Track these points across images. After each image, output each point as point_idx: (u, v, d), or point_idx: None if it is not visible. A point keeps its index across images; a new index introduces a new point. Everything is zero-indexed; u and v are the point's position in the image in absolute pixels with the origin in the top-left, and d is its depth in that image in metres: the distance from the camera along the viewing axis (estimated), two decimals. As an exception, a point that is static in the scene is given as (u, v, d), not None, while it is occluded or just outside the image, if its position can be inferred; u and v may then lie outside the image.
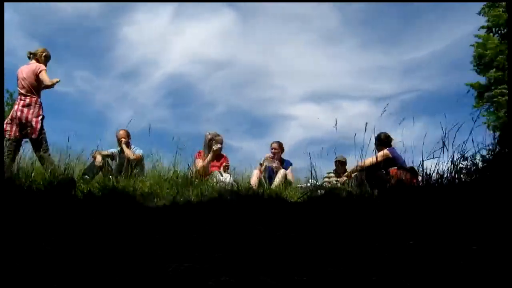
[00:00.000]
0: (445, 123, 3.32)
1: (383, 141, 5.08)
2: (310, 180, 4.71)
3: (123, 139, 5.54)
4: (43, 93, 4.78)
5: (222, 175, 5.11)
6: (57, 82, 4.62)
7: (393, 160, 4.76)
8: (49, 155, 4.69)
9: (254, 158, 6.21)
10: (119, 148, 5.63)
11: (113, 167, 5.51)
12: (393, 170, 4.51)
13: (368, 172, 4.44)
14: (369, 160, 4.74)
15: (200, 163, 5.32)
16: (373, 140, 4.78)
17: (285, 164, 5.90)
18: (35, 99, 4.65)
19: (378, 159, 4.71)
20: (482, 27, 12.74)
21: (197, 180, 4.33)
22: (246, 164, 6.33)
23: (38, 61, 4.78)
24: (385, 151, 4.91)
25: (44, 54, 4.84)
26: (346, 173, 5.52)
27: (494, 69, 12.09)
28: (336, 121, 4.61)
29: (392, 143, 5.11)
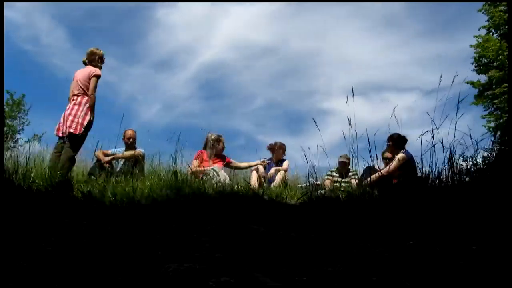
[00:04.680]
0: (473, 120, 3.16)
1: (397, 142, 4.87)
2: (310, 179, 4.70)
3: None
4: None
5: (218, 175, 5.02)
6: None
7: (409, 163, 4.55)
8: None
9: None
10: (121, 148, 5.64)
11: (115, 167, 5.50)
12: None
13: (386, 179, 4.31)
14: (391, 167, 4.62)
15: (195, 164, 5.32)
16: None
17: (282, 163, 5.96)
18: None
19: (398, 164, 4.59)
20: (483, 27, 12.68)
21: (196, 180, 4.32)
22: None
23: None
24: (402, 154, 4.72)
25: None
26: (354, 177, 5.40)
27: (494, 70, 12.06)
28: (348, 119, 4.26)
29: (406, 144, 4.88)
